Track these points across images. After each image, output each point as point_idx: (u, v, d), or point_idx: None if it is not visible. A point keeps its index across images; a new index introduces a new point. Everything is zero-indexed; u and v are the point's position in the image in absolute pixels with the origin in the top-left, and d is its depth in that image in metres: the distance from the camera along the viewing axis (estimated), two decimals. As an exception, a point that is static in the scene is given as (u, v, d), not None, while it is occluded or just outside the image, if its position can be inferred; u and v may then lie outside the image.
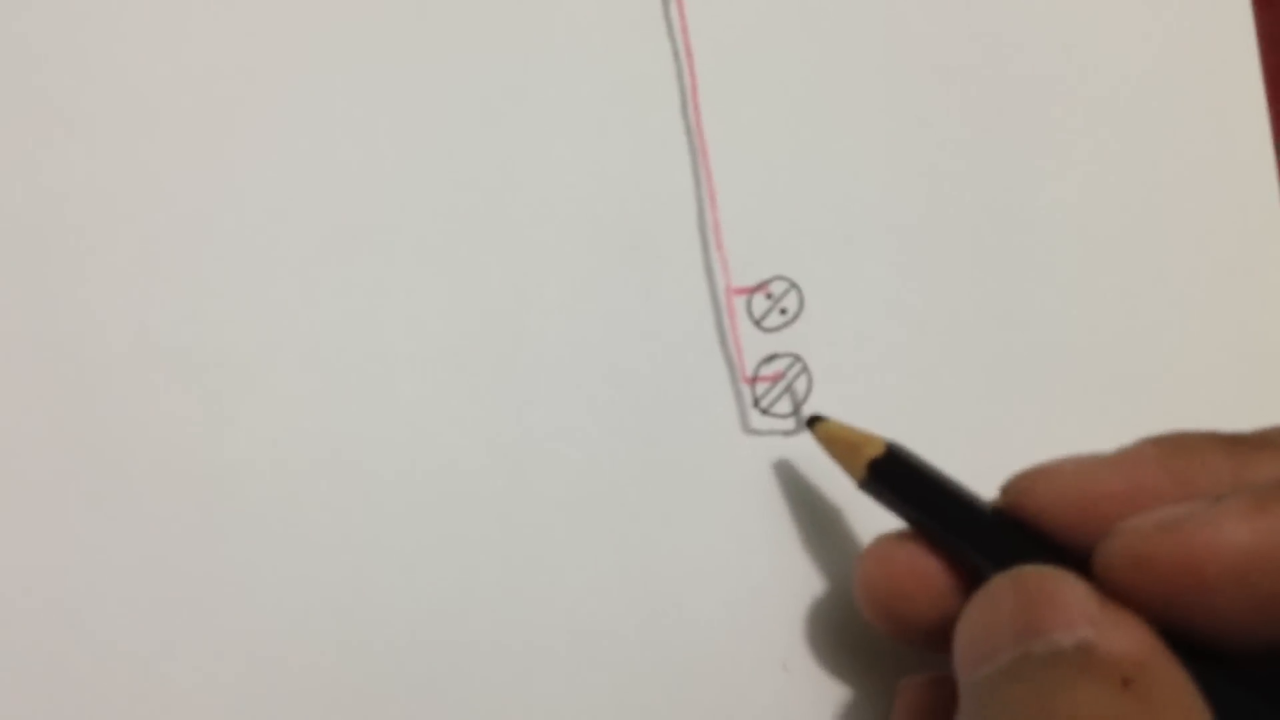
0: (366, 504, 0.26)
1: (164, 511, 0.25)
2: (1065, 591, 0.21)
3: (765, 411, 0.28)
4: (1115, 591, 0.21)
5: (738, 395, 0.28)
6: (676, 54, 0.30)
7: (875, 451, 0.25)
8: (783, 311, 0.29)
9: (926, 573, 0.24)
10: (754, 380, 0.29)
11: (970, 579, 0.23)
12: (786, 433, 0.28)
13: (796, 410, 0.29)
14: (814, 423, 0.27)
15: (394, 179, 0.28)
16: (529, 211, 0.28)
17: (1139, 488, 0.22)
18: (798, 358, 0.29)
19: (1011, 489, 0.24)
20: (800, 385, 0.29)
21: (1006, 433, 0.30)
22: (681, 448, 0.28)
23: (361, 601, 0.26)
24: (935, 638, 0.24)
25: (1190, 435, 0.23)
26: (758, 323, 0.29)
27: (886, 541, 0.25)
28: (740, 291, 0.29)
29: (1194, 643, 0.20)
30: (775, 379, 0.29)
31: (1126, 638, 0.20)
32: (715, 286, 0.29)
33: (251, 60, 0.28)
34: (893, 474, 0.25)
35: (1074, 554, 0.22)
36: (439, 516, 0.27)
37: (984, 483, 0.26)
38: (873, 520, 0.27)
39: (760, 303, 0.29)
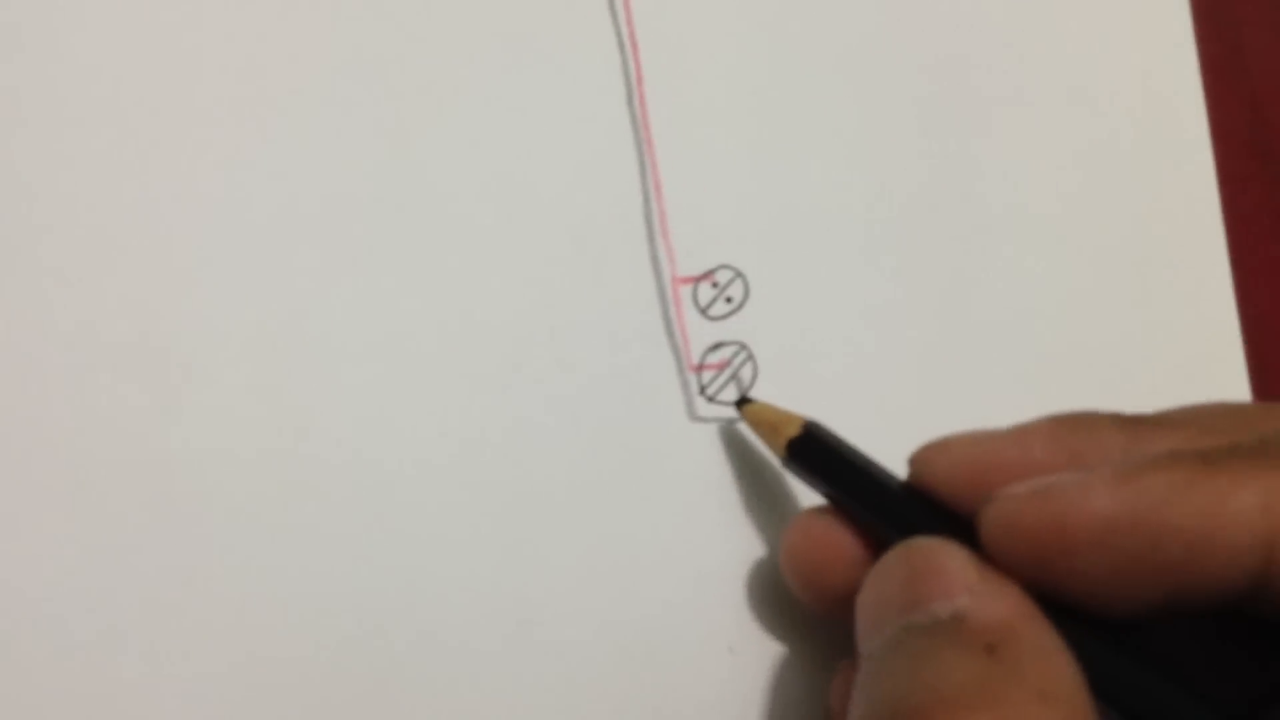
0: (317, 496, 0.26)
1: (117, 505, 0.25)
2: (947, 562, 0.21)
3: (711, 399, 0.29)
4: (995, 556, 0.22)
5: (684, 383, 0.29)
6: (622, 45, 0.30)
7: (794, 430, 0.26)
8: (728, 300, 0.29)
9: (842, 545, 0.25)
10: (700, 368, 0.29)
11: (881, 551, 0.24)
12: (733, 420, 0.29)
13: (742, 398, 0.29)
14: (742, 404, 0.28)
15: (340, 173, 0.28)
16: (476, 204, 0.28)
17: (1030, 460, 0.23)
18: (743, 345, 0.29)
19: (914, 461, 0.24)
20: (746, 373, 0.29)
21: (948, 415, 0.30)
22: (629, 435, 0.28)
23: (315, 593, 0.26)
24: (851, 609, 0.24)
25: (1088, 414, 0.23)
26: (703, 311, 0.29)
27: (807, 516, 0.26)
28: (686, 281, 0.29)
29: (1069, 606, 0.21)
30: (721, 367, 0.29)
31: (998, 605, 0.21)
32: (661, 276, 0.29)
33: (204, 55, 0.28)
34: (810, 452, 0.26)
35: (964, 522, 0.23)
36: (389, 507, 0.27)
37: None
38: (814, 504, 0.28)
39: (706, 291, 0.29)
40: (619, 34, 0.30)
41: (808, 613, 0.28)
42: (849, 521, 0.25)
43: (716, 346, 0.29)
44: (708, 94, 0.30)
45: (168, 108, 0.27)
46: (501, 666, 0.27)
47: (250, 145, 0.27)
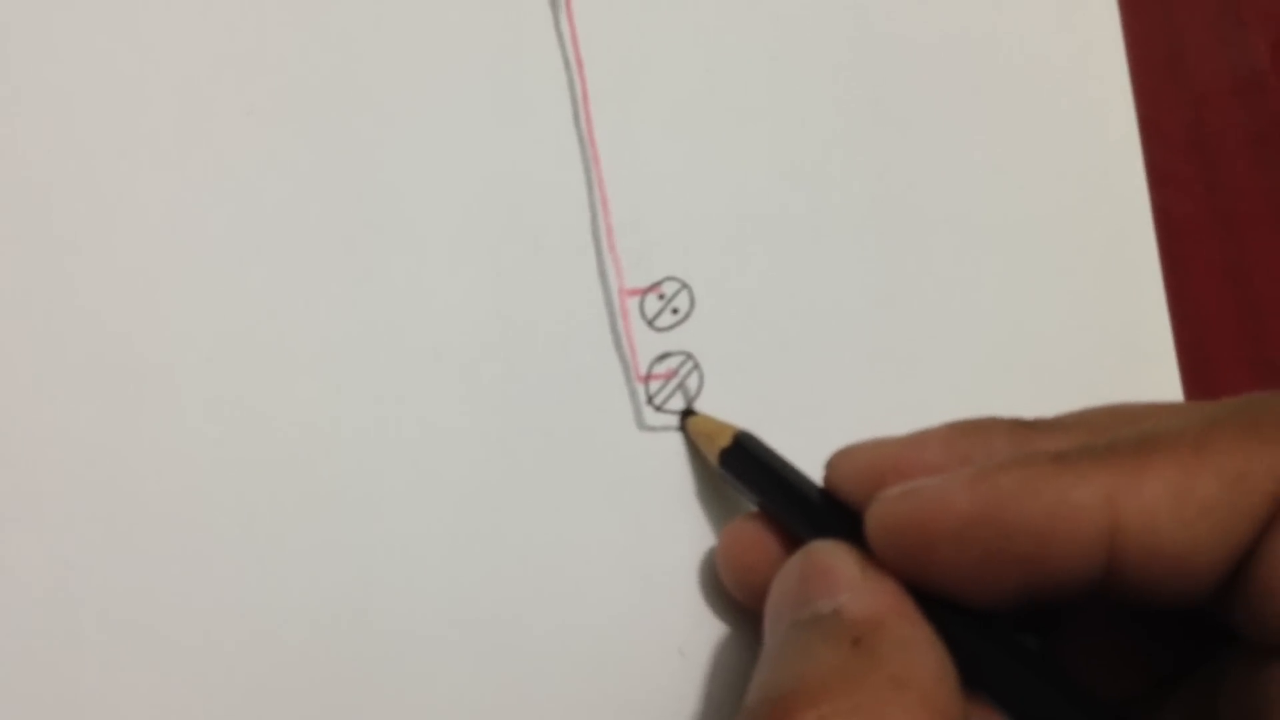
0: (270, 503, 0.27)
1: (71, 516, 0.26)
2: (835, 562, 0.23)
3: (659, 408, 0.30)
4: (878, 554, 0.23)
5: (632, 393, 0.30)
6: (567, 63, 0.31)
7: (725, 441, 0.28)
8: (674, 311, 0.30)
9: (768, 548, 0.26)
10: (647, 378, 0.30)
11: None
12: (679, 428, 0.30)
13: (689, 406, 0.30)
14: (686, 416, 0.29)
15: (294, 189, 0.28)
16: (425, 218, 0.29)
17: (923, 463, 0.24)
18: (689, 355, 0.30)
19: (826, 467, 0.26)
20: (692, 382, 0.30)
21: (891, 421, 0.31)
22: (578, 444, 0.29)
23: (268, 599, 0.27)
24: None
25: (984, 420, 0.25)
26: (650, 322, 0.30)
27: (739, 522, 0.27)
28: (633, 293, 0.30)
29: (947, 600, 0.22)
30: (668, 377, 0.30)
31: (872, 600, 0.22)
32: (609, 288, 0.30)
33: (164, 71, 0.28)
34: (740, 460, 0.28)
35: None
36: (338, 513, 0.27)
37: None
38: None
39: (652, 303, 0.30)
40: (564, 53, 0.31)
41: (756, 616, 0.29)
42: (775, 526, 0.27)
43: (663, 357, 0.30)
44: (652, 111, 0.31)
45: (131, 121, 0.28)
46: (452, 670, 0.27)
47: (208, 163, 0.28)
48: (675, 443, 0.29)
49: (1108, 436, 0.22)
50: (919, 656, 0.21)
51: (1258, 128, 0.38)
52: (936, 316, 0.32)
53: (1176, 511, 0.20)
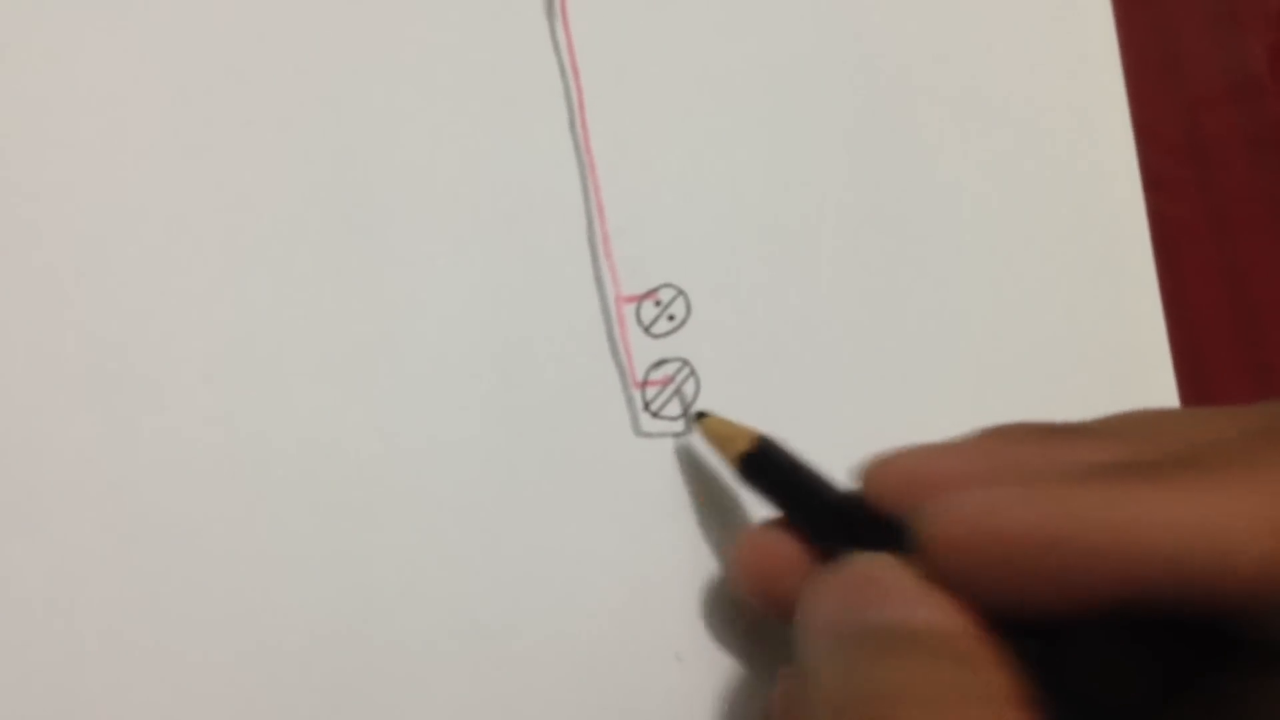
0: (267, 514, 0.27)
1: (70, 530, 0.26)
2: (888, 574, 0.22)
3: (656, 414, 0.30)
4: (930, 565, 0.22)
5: (629, 400, 0.30)
6: (563, 71, 0.31)
7: (747, 445, 0.27)
8: (670, 318, 0.30)
9: (791, 557, 0.26)
10: (644, 385, 0.30)
11: (829, 560, 0.25)
12: (676, 434, 0.30)
13: (686, 412, 0.30)
14: (699, 418, 0.29)
15: (288, 197, 0.28)
16: (421, 226, 0.29)
17: (964, 472, 0.23)
18: (686, 362, 0.30)
19: (859, 475, 0.25)
20: (689, 388, 0.30)
21: (888, 427, 0.31)
22: (575, 451, 0.29)
23: (265, 609, 0.27)
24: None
25: (1016, 426, 0.24)
26: (647, 329, 0.30)
27: (759, 529, 0.27)
28: (629, 299, 0.30)
29: (1001, 610, 0.22)
30: (665, 383, 0.30)
31: (934, 614, 0.21)
32: (605, 295, 0.30)
33: (152, 80, 0.28)
34: (763, 466, 0.27)
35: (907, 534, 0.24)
36: (336, 521, 0.27)
37: None
38: (759, 517, 0.29)
39: (649, 310, 0.30)
40: (560, 61, 0.31)
41: (753, 621, 0.29)
42: (798, 533, 0.26)
43: (660, 363, 0.30)
44: (648, 117, 0.31)
45: (128, 132, 0.28)
46: (450, 678, 0.27)
47: (204, 175, 0.28)
48: (672, 449, 0.30)
49: (1183, 449, 0.21)
50: (1003, 674, 0.21)
51: (1254, 132, 0.38)
52: (932, 322, 0.32)
53: (1269, 536, 0.20)
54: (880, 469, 0.25)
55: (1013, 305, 0.32)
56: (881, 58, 0.33)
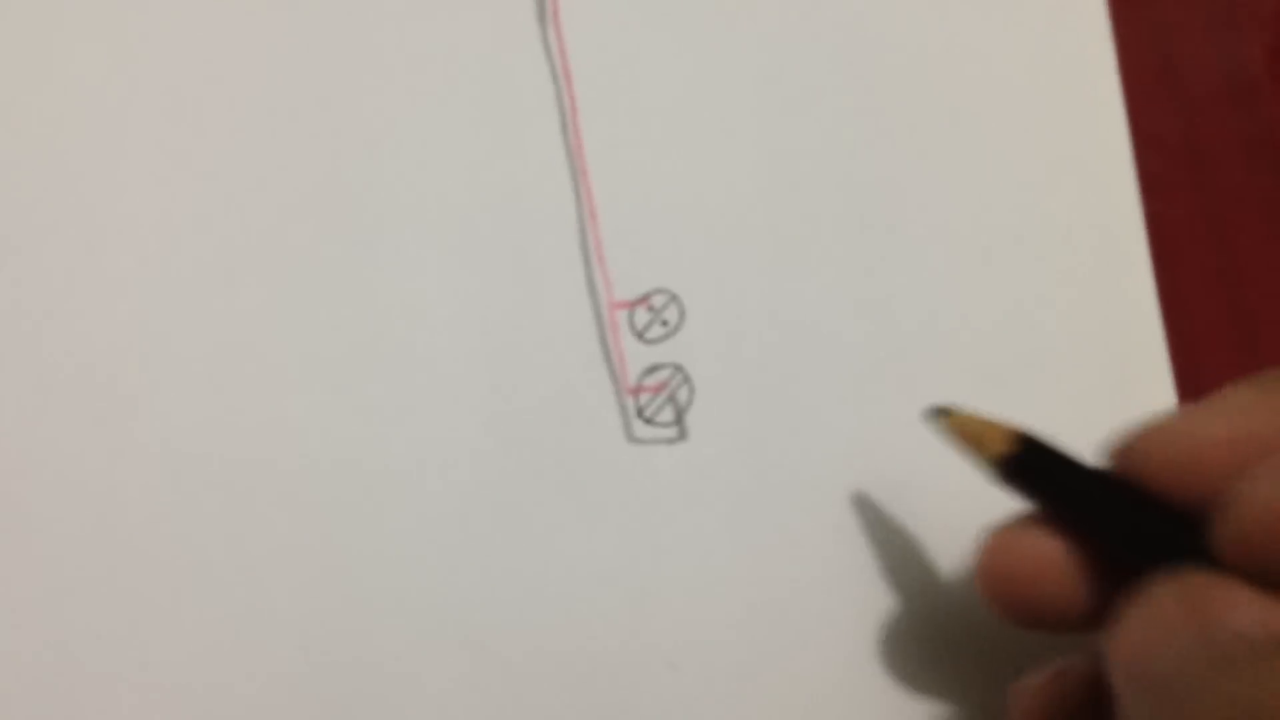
0: (258, 522, 0.27)
1: (62, 537, 0.26)
2: (1229, 588, 0.20)
3: (649, 421, 0.29)
4: (1250, 552, 0.20)
5: (622, 406, 0.29)
6: (555, 76, 0.31)
7: (1007, 445, 0.25)
8: (664, 323, 0.30)
9: (1046, 556, 0.24)
10: (637, 391, 0.30)
11: (1099, 557, 0.23)
12: (670, 441, 0.29)
13: (679, 419, 0.30)
14: (941, 414, 0.26)
15: (281, 205, 0.28)
16: (413, 231, 0.29)
17: (1246, 435, 0.21)
18: (679, 368, 0.30)
19: (1124, 454, 0.23)
20: (682, 395, 0.30)
21: (885, 433, 0.31)
22: (568, 458, 0.29)
23: (255, 617, 0.27)
24: (1065, 620, 0.24)
25: (1275, 376, 0.22)
26: (640, 335, 0.30)
27: (1004, 529, 0.24)
28: (622, 305, 0.30)
29: None
30: (658, 389, 0.30)
31: None
32: (598, 301, 0.30)
33: (134, 79, 0.28)
34: (1028, 465, 0.25)
35: (1192, 510, 0.22)
36: (327, 533, 0.27)
37: (864, 482, 0.28)
38: (754, 524, 0.29)
39: (642, 315, 0.30)
40: (552, 66, 0.30)
41: (747, 629, 0.29)
42: (1054, 531, 0.24)
43: (653, 369, 0.30)
44: (640, 123, 0.31)
45: (119, 136, 0.28)
46: (442, 685, 0.27)
47: (196, 179, 0.28)
48: (665, 455, 0.29)
49: None
50: None
51: (1251, 134, 0.38)
52: (928, 326, 0.32)
53: None
54: (1151, 444, 0.23)
55: (1009, 308, 0.32)
56: (876, 61, 0.33)
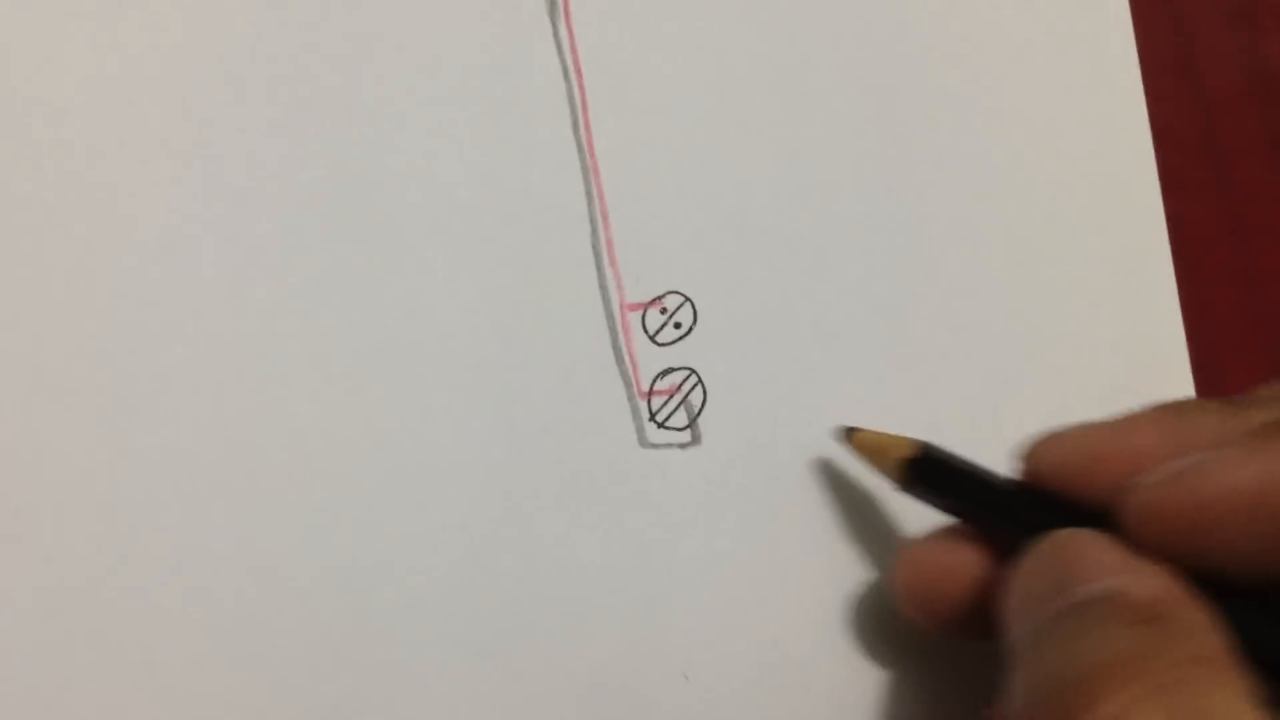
0: (267, 521, 0.26)
1: (67, 536, 0.26)
2: (1093, 548, 0.22)
3: (661, 425, 0.29)
4: (1139, 544, 0.22)
5: (634, 410, 0.29)
6: (566, 73, 0.30)
7: (907, 451, 0.26)
8: (677, 325, 0.30)
9: (962, 566, 0.25)
10: (650, 394, 0.29)
11: (1002, 559, 0.24)
12: (683, 445, 0.29)
13: (692, 423, 0.29)
14: (849, 434, 0.28)
15: (285, 202, 0.28)
16: (422, 232, 0.29)
17: (1137, 448, 0.23)
18: (692, 371, 0.29)
19: (1028, 458, 0.25)
20: (695, 398, 0.29)
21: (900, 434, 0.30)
22: (580, 462, 0.28)
23: (262, 619, 0.26)
24: (971, 626, 0.25)
25: (1189, 400, 0.25)
26: (652, 337, 0.29)
27: (916, 543, 0.26)
28: (634, 307, 0.29)
29: (1217, 584, 0.22)
30: (671, 392, 0.29)
31: (1149, 583, 0.21)
32: (610, 303, 0.29)
33: (141, 76, 0.28)
34: (928, 471, 0.26)
35: (1089, 513, 0.24)
36: (337, 537, 0.27)
37: (880, 487, 0.28)
38: (769, 530, 0.28)
39: (654, 317, 0.29)
40: (563, 62, 0.30)
41: (763, 640, 0.28)
42: (965, 539, 0.25)
43: (666, 372, 0.29)
44: (653, 120, 0.30)
45: (126, 134, 0.27)
46: (453, 693, 0.27)
47: (204, 175, 0.27)
48: (679, 460, 0.29)
49: None
50: (1213, 635, 0.20)
51: (1272, 131, 0.37)
52: (946, 326, 0.31)
53: None
54: (1047, 449, 0.25)
55: (1030, 308, 0.32)
56: (893, 57, 0.32)
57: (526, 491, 0.28)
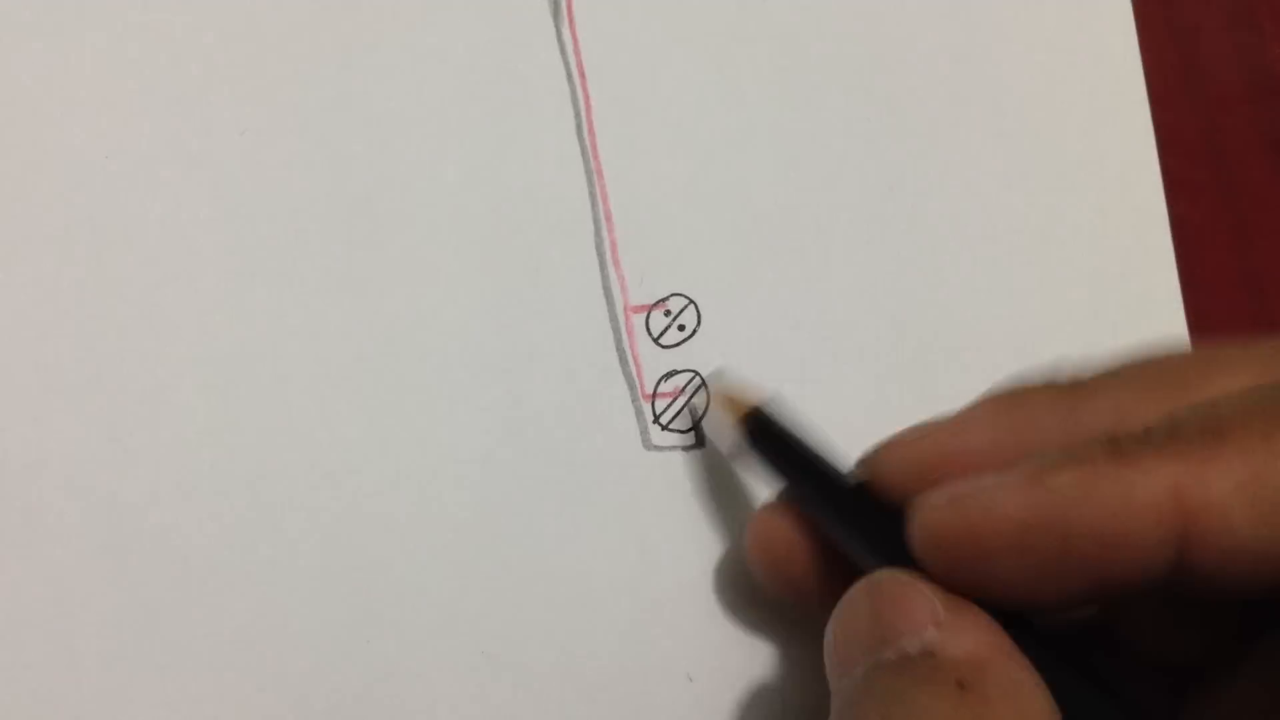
0: (268, 530, 0.26)
1: (67, 540, 0.25)
2: (913, 596, 0.21)
3: (665, 427, 0.29)
4: (923, 564, 0.22)
5: (638, 412, 0.29)
6: (570, 75, 0.30)
7: (751, 406, 0.26)
8: (680, 328, 0.30)
9: (803, 539, 0.25)
10: (653, 396, 0.29)
11: (834, 549, 0.24)
12: (687, 447, 0.29)
13: (696, 425, 0.29)
14: (715, 378, 0.28)
15: (289, 201, 0.28)
16: (424, 234, 0.28)
17: (969, 449, 0.23)
18: (696, 373, 0.29)
19: (863, 462, 0.25)
20: (699, 400, 0.29)
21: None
22: (584, 465, 0.28)
23: (265, 623, 0.26)
24: (814, 600, 0.25)
25: (1024, 390, 0.24)
26: (656, 339, 0.29)
27: (769, 510, 0.26)
28: (638, 309, 0.29)
29: (1001, 607, 0.21)
30: (675, 395, 0.29)
31: (967, 639, 0.21)
32: (613, 305, 0.29)
33: (141, 76, 0.27)
34: (766, 434, 0.26)
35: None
36: (342, 538, 0.27)
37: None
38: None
39: (658, 319, 0.29)
40: (567, 64, 0.30)
41: (767, 641, 0.28)
42: (808, 518, 0.25)
43: (670, 375, 0.29)
44: (656, 123, 0.30)
45: (124, 139, 0.27)
46: (458, 697, 0.27)
47: (208, 184, 0.27)
48: (683, 462, 0.29)
49: (1165, 420, 0.20)
50: (1031, 700, 0.20)
51: (1274, 133, 0.37)
52: (949, 329, 0.31)
53: (1250, 507, 0.19)
54: (883, 454, 0.24)
55: (1032, 309, 0.32)
56: (897, 60, 0.32)
57: (530, 493, 0.28)
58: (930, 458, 0.23)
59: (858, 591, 0.22)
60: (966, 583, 0.21)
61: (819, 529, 0.25)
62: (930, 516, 0.21)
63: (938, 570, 0.22)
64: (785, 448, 0.26)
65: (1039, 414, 0.23)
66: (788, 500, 0.26)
